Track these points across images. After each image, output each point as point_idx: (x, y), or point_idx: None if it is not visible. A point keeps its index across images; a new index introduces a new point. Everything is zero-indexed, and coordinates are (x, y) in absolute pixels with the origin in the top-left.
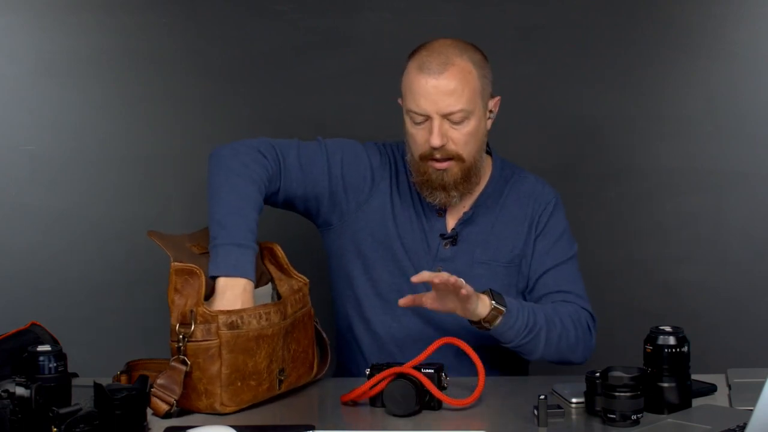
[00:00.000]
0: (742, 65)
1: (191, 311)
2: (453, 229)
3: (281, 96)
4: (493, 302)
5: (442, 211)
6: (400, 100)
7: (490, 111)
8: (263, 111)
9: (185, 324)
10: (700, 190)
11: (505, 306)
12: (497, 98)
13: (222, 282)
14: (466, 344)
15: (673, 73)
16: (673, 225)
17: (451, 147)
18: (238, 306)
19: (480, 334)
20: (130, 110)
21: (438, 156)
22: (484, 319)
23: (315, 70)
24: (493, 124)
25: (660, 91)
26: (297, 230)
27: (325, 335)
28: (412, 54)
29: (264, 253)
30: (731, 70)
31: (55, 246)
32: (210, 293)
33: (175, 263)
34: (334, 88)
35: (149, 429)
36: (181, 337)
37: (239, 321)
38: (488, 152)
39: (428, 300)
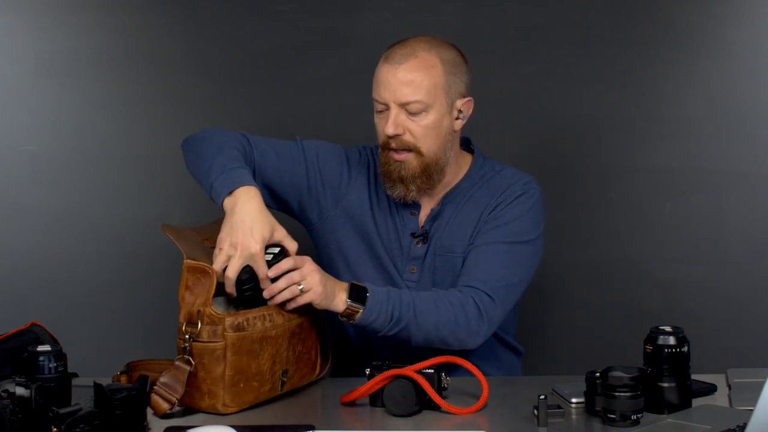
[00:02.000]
0: (742, 65)
1: (198, 311)
2: (422, 227)
3: (281, 96)
4: (348, 301)
5: (415, 211)
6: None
7: (459, 111)
8: (263, 111)
9: (192, 323)
10: (700, 190)
11: (363, 303)
12: (468, 99)
13: (227, 202)
14: (467, 362)
15: (673, 73)
16: (673, 225)
17: (408, 138)
18: (254, 211)
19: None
20: (130, 110)
21: (394, 146)
22: (341, 314)
23: (315, 70)
24: (494, 123)
25: (660, 91)
26: (295, 230)
27: (326, 334)
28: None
29: None
30: (731, 70)
31: (55, 246)
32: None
33: (188, 261)
34: (334, 88)
35: (149, 429)
36: (187, 336)
37: (245, 323)
38: (472, 151)
39: None
